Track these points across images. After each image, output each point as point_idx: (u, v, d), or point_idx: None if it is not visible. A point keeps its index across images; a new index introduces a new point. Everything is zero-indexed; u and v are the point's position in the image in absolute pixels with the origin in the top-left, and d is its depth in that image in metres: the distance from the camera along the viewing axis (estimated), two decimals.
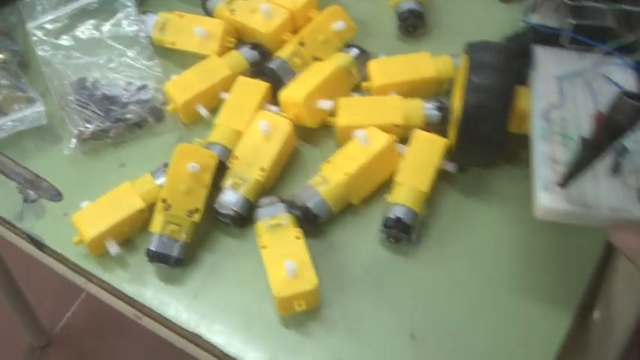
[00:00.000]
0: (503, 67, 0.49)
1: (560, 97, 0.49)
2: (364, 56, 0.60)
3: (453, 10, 0.66)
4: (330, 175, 0.52)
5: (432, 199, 0.54)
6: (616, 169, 0.43)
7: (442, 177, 0.55)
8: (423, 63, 0.58)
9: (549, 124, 0.46)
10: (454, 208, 0.54)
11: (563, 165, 0.43)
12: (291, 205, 0.52)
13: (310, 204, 0.52)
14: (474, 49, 0.51)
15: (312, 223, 0.52)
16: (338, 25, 0.60)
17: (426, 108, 0.56)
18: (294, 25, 0.61)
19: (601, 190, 0.43)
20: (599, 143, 0.39)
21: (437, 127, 0.56)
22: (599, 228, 0.43)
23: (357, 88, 0.60)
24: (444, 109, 0.55)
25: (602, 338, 0.54)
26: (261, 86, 0.58)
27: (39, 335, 1.10)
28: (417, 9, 0.62)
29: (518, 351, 0.48)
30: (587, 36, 0.50)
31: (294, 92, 0.56)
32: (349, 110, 0.56)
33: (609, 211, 0.41)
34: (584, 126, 0.46)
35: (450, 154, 0.54)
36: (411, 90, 0.57)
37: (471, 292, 0.50)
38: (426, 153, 0.53)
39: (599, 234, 0.47)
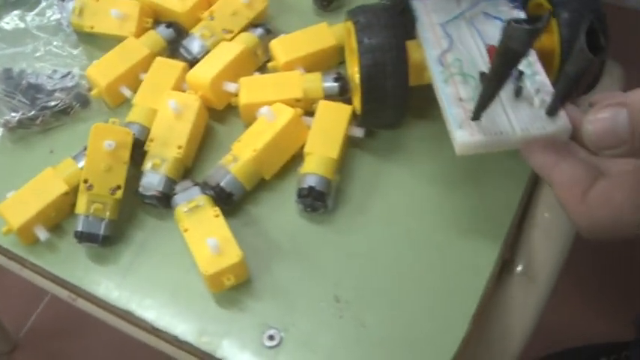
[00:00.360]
0: (388, 23, 0.52)
1: (449, 40, 0.52)
2: (270, 36, 0.63)
3: None
4: (240, 153, 0.55)
5: (344, 165, 0.58)
6: (518, 93, 0.47)
7: (353, 143, 0.58)
8: (323, 34, 0.61)
9: (446, 68, 0.49)
10: (368, 172, 0.58)
11: (469, 101, 0.47)
12: (205, 186, 0.55)
13: (223, 183, 0.54)
14: (356, 13, 0.54)
15: (228, 202, 0.55)
16: None
17: (325, 80, 0.58)
18: (210, 4, 0.64)
19: (510, 115, 0.46)
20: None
21: (340, 97, 0.58)
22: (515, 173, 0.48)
23: (264, 68, 0.62)
24: (341, 79, 0.58)
25: (525, 291, 0.57)
26: (177, 66, 0.60)
27: (4, 341, 1.10)
28: None
29: (444, 302, 0.51)
30: None
31: (200, 74, 0.58)
32: (251, 89, 0.58)
33: (521, 132, 0.45)
34: (478, 62, 0.49)
35: (357, 120, 0.57)
36: (315, 62, 0.60)
37: (390, 251, 0.54)
38: (332, 121, 0.56)
39: (515, 186, 0.53)
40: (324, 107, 0.57)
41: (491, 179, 0.56)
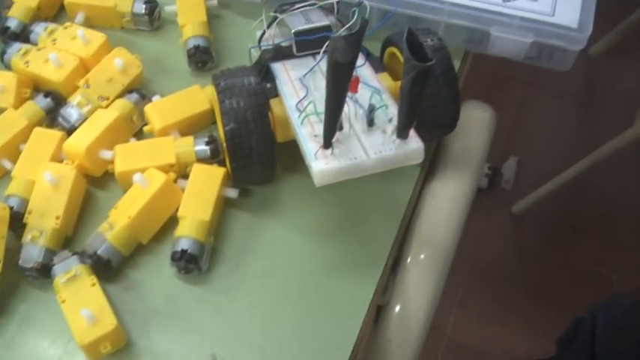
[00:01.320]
0: (247, 83, 0.57)
1: (306, 90, 0.57)
2: (145, 101, 0.67)
3: (239, 45, 0.72)
4: (116, 220, 0.59)
5: (220, 225, 0.62)
6: (371, 124, 0.53)
7: (229, 203, 0.63)
8: (196, 97, 0.65)
9: (303, 112, 0.54)
10: (244, 230, 0.62)
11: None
12: (83, 255, 0.58)
13: (100, 251, 0.58)
14: (217, 77, 0.59)
15: (106, 269, 0.59)
16: (118, 63, 0.66)
17: (196, 144, 0.63)
18: (87, 71, 0.68)
19: (364, 142, 0.51)
20: (333, 89, 0.46)
21: (213, 160, 0.63)
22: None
23: (140, 132, 0.67)
24: (212, 142, 0.63)
25: (402, 332, 0.63)
26: (55, 136, 0.64)
27: None
28: (203, 45, 0.70)
29: (320, 351, 0.56)
30: (310, 39, 0.59)
31: (75, 144, 0.62)
32: (126, 156, 0.62)
33: (375, 155, 0.50)
34: None
35: (231, 181, 0.62)
36: (190, 125, 0.65)
37: (267, 305, 0.58)
38: (205, 184, 0.60)
39: (388, 230, 0.58)
40: (197, 170, 0.61)
41: (365, 226, 0.62)
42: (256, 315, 0.58)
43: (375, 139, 0.52)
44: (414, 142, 0.51)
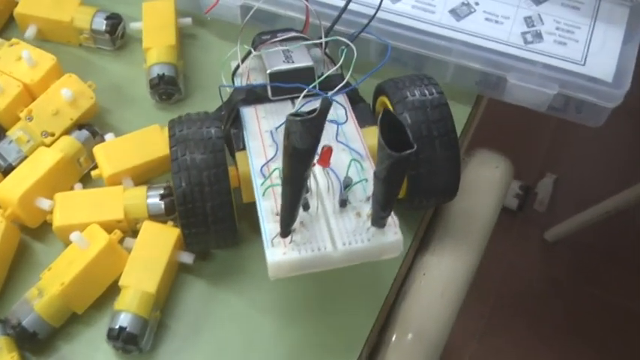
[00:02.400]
0: (207, 137, 0.51)
1: (276, 147, 0.51)
2: (97, 139, 0.61)
3: (214, 72, 0.63)
4: (47, 286, 0.53)
5: (172, 296, 0.56)
6: (343, 204, 0.46)
7: (184, 268, 0.57)
8: (154, 139, 0.59)
9: (268, 179, 0.49)
10: (199, 302, 0.56)
11: None
12: (6, 324, 0.53)
13: (25, 322, 0.53)
14: (173, 124, 0.53)
15: (32, 342, 0.53)
16: (66, 94, 0.59)
17: (150, 196, 0.57)
18: (33, 100, 0.61)
19: (333, 228, 0.45)
20: (290, 174, 0.40)
21: (168, 217, 0.57)
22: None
23: (88, 177, 0.60)
24: (168, 196, 0.56)
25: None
26: None
27: None
28: (169, 74, 0.63)
29: None
30: (285, 87, 0.54)
31: (8, 190, 0.56)
32: (66, 207, 0.56)
33: (343, 247, 0.44)
34: None
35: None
36: (144, 172, 0.58)
37: None
38: (155, 247, 0.55)
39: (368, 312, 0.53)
40: (147, 229, 0.55)
41: (339, 306, 0.56)
42: None
43: (347, 224, 0.46)
44: (392, 234, 0.45)
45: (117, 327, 0.52)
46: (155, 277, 0.54)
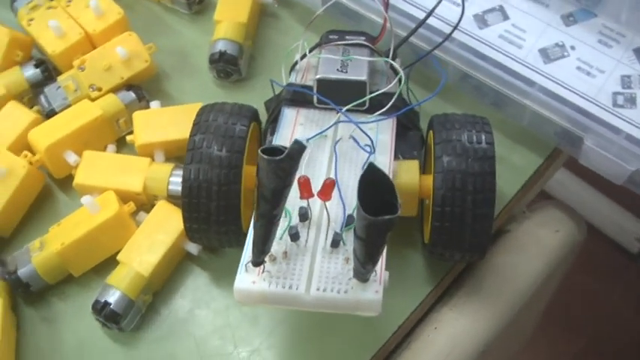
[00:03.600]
0: (229, 133, 0.50)
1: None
2: (142, 104, 0.61)
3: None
4: (50, 241, 0.54)
5: (170, 284, 0.56)
6: (335, 244, 0.44)
7: (190, 258, 0.57)
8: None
9: None
10: (196, 297, 0.56)
11: (277, 241, 0.44)
12: (3, 267, 0.55)
13: (21, 272, 0.54)
14: (203, 110, 0.53)
15: (25, 292, 0.55)
16: (120, 52, 0.60)
17: (173, 174, 0.56)
18: (92, 49, 0.63)
19: (315, 268, 0.43)
20: (260, 209, 0.39)
21: None
22: None
23: (123, 141, 0.61)
24: None
25: None
26: (28, 116, 0.60)
27: None
28: (231, 52, 0.62)
29: None
30: (337, 92, 0.52)
31: (40, 137, 0.58)
32: (90, 167, 0.57)
33: (316, 292, 0.42)
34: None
35: None
36: (180, 149, 0.57)
37: None
38: (164, 229, 0.55)
39: None
40: (160, 209, 0.55)
41: (339, 334, 0.55)
42: None
43: (331, 267, 0.44)
44: (371, 292, 0.43)
45: (102, 301, 0.53)
46: (153, 260, 0.54)
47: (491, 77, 0.57)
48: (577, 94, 0.55)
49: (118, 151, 0.61)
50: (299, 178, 0.44)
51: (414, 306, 0.54)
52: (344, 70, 0.53)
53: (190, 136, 0.50)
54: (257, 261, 0.42)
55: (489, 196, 0.48)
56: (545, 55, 0.56)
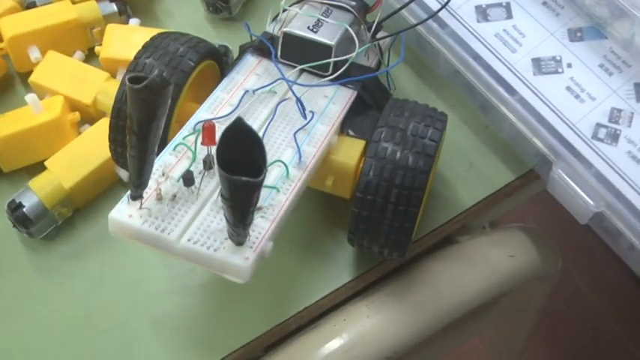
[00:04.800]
0: (179, 55, 0.51)
1: (231, 110, 0.50)
2: (123, 18, 0.62)
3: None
4: None
5: (98, 202, 0.58)
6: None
7: (124, 186, 0.58)
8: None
9: (191, 135, 0.47)
10: None
11: (171, 180, 0.45)
12: None
13: None
14: (159, 35, 0.53)
15: None
16: None
17: None
18: None
19: (196, 219, 0.43)
20: (130, 139, 0.39)
21: None
22: None
23: (92, 52, 0.62)
24: None
25: None
26: (5, 3, 0.62)
27: None
28: None
29: None
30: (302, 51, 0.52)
31: (9, 26, 0.59)
32: (48, 68, 0.58)
33: (186, 242, 0.42)
34: None
35: None
36: None
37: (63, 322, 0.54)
38: (97, 146, 0.55)
39: None
40: (102, 125, 0.56)
41: (242, 300, 0.54)
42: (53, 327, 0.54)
43: (213, 222, 0.43)
44: (240, 258, 0.42)
45: (18, 202, 0.54)
46: (78, 174, 0.55)
47: (477, 77, 0.55)
48: (557, 115, 0.52)
49: (84, 61, 0.61)
50: (204, 124, 0.44)
51: (325, 292, 0.53)
52: (314, 30, 0.52)
53: (134, 57, 0.50)
54: (133, 195, 0.42)
55: (416, 195, 0.46)
56: (538, 65, 0.54)
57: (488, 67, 0.54)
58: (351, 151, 0.50)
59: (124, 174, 0.55)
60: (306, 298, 0.54)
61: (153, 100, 0.35)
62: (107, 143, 0.53)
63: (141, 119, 0.36)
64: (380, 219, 0.47)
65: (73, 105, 0.57)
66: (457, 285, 0.55)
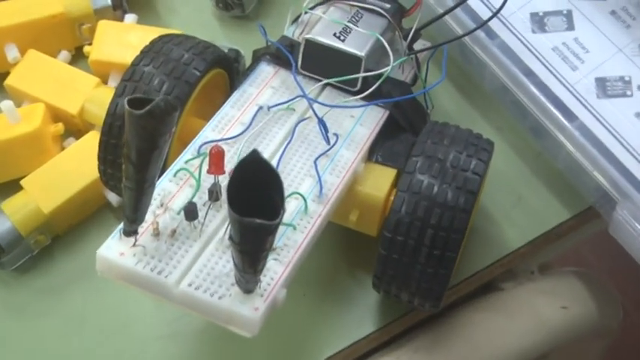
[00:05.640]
0: (182, 66, 0.51)
1: (243, 130, 0.49)
2: (117, 14, 0.61)
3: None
4: None
5: (81, 232, 0.57)
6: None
7: (112, 211, 0.58)
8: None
9: (196, 158, 0.47)
10: None
11: (171, 213, 0.44)
12: None
13: None
14: (165, 37, 0.53)
15: None
16: None
17: None
18: None
19: (199, 260, 0.43)
20: (126, 168, 0.38)
21: None
22: None
23: (80, 52, 0.61)
24: None
25: None
26: None
27: None
28: None
29: None
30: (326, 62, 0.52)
31: None
32: (30, 70, 0.58)
33: (187, 287, 0.41)
34: None
35: None
36: None
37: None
38: (85, 165, 0.55)
39: None
40: (90, 140, 0.56)
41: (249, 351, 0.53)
42: None
43: (218, 264, 0.42)
44: (249, 308, 0.41)
45: None
46: (60, 196, 0.54)
47: (529, 97, 0.54)
48: (624, 147, 0.51)
49: (70, 62, 0.61)
50: (211, 148, 0.43)
51: (344, 344, 0.52)
52: (341, 38, 0.51)
53: (132, 64, 0.50)
54: (127, 230, 0.41)
55: (455, 238, 0.45)
56: (603, 87, 0.53)
57: (543, 86, 0.53)
58: (380, 182, 0.49)
59: (113, 197, 0.55)
60: (320, 350, 0.53)
61: (155, 127, 0.34)
62: (95, 161, 0.53)
63: (141, 148, 0.35)
64: (411, 264, 0.46)
65: (56, 115, 0.57)
66: (498, 340, 0.55)
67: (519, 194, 0.56)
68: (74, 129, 0.57)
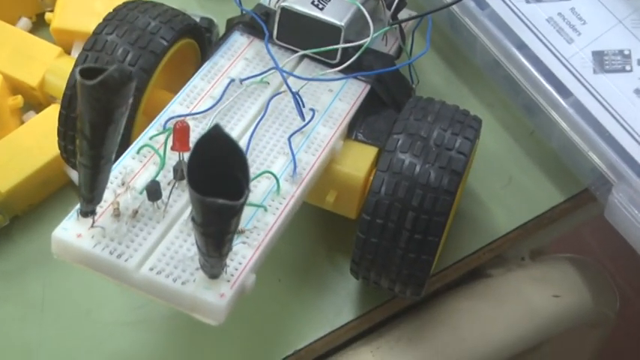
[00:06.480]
0: (141, 41, 0.50)
1: (212, 104, 0.49)
2: None
3: None
4: None
5: (43, 210, 0.57)
6: None
7: (75, 187, 0.57)
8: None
9: (161, 134, 0.47)
10: None
11: (133, 192, 0.44)
12: None
13: None
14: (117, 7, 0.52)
15: None
16: None
17: None
18: None
19: (162, 243, 0.43)
20: (80, 144, 0.38)
21: None
22: None
23: (41, 20, 0.61)
24: None
25: None
26: None
27: None
28: None
29: None
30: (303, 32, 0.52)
31: None
32: None
33: (148, 271, 0.42)
34: None
35: None
36: None
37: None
38: (44, 141, 0.55)
39: None
40: (50, 114, 0.56)
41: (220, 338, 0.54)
42: None
43: (183, 247, 0.43)
44: (214, 294, 0.41)
45: None
46: (18, 174, 0.54)
47: (522, 71, 0.54)
48: (622, 126, 0.51)
49: (31, 30, 0.61)
50: (176, 123, 0.43)
51: (321, 333, 0.53)
52: (320, 6, 0.51)
53: (93, 32, 0.49)
54: (84, 210, 0.41)
55: (438, 221, 0.45)
56: (600, 61, 0.53)
57: (536, 60, 0.53)
58: (360, 161, 0.49)
59: (76, 175, 0.54)
60: (296, 339, 0.54)
61: (109, 99, 0.34)
62: (56, 137, 0.52)
63: (94, 122, 0.35)
64: (391, 248, 0.46)
65: (14, 86, 0.57)
66: (485, 330, 0.55)
67: (510, 175, 0.56)
68: (34, 102, 0.58)
